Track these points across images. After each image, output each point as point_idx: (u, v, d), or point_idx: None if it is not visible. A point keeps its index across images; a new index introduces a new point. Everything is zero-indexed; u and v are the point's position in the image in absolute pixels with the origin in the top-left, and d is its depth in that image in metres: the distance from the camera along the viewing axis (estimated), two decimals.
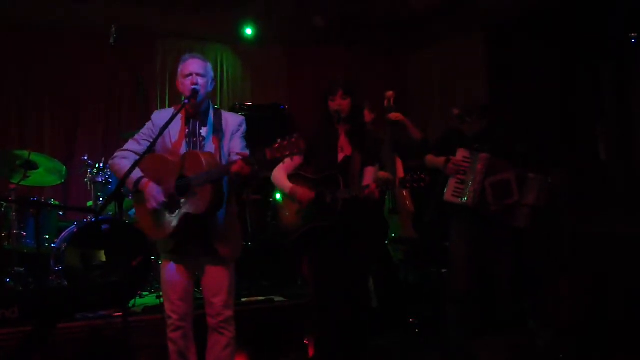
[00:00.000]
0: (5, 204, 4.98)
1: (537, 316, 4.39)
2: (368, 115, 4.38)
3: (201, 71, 3.18)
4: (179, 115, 3.15)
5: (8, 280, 4.69)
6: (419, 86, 7.75)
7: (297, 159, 3.65)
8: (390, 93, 4.12)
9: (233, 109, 6.45)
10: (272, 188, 3.82)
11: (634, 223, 4.60)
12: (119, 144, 3.33)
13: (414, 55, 7.93)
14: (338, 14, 7.15)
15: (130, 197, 4.57)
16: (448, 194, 3.91)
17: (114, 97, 7.07)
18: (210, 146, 3.17)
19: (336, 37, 7.55)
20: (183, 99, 3.14)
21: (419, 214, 4.84)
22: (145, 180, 3.10)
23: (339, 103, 3.57)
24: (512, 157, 3.90)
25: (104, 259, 4.83)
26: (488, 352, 4.01)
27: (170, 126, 3.10)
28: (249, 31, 7.43)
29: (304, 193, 3.52)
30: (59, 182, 5.49)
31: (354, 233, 3.57)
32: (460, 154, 3.90)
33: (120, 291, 4.42)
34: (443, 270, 4.60)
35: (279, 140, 2.81)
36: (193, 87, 3.12)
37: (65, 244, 4.80)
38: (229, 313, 3.20)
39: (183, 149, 3.15)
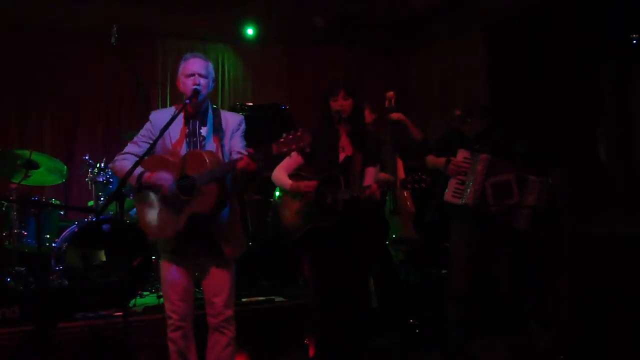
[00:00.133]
0: (6, 204, 4.99)
1: (537, 316, 4.39)
2: (369, 116, 4.38)
3: (203, 71, 3.18)
4: (179, 115, 3.15)
5: (9, 279, 4.69)
6: (419, 86, 7.75)
7: (298, 159, 3.66)
8: (391, 93, 4.11)
9: (234, 109, 6.45)
10: (272, 188, 3.82)
11: (634, 223, 4.59)
12: (119, 144, 3.33)
13: (414, 55, 7.93)
14: (338, 14, 7.16)
15: (132, 197, 4.60)
16: (448, 194, 3.91)
17: (115, 97, 7.08)
18: (211, 145, 3.17)
19: (336, 37, 7.56)
20: (184, 99, 3.14)
21: (419, 214, 4.84)
22: (147, 172, 3.07)
23: (341, 103, 3.57)
24: (512, 158, 3.90)
25: (104, 258, 4.84)
26: (488, 353, 4.02)
27: (170, 126, 3.10)
28: (250, 31, 7.44)
29: (306, 183, 3.52)
30: (60, 182, 5.49)
31: (355, 233, 3.57)
32: (461, 154, 3.90)
33: (121, 291, 4.46)
34: (443, 271, 4.60)
35: (284, 135, 2.83)
36: (195, 87, 3.12)
37: (66, 243, 4.80)
38: (229, 313, 3.20)
39: (183, 149, 3.15)
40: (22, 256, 4.91)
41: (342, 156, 3.63)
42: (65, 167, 5.34)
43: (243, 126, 3.30)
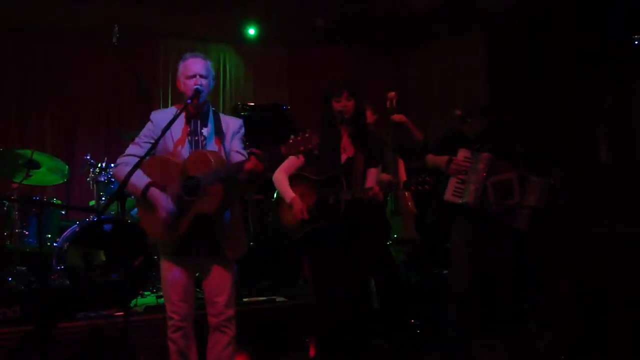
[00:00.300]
0: (7, 203, 4.99)
1: (537, 316, 4.40)
2: (371, 116, 4.39)
3: (203, 72, 3.19)
4: (181, 115, 3.15)
5: (10, 279, 4.70)
6: (419, 86, 7.75)
7: (299, 159, 3.67)
8: (392, 94, 4.11)
9: (235, 109, 6.47)
10: (273, 188, 3.83)
11: (634, 223, 4.60)
12: (120, 144, 3.33)
13: (414, 55, 7.93)
14: (338, 14, 7.17)
15: (133, 197, 4.60)
16: (448, 193, 3.92)
17: (115, 97, 7.07)
18: (212, 146, 3.18)
19: (336, 37, 7.56)
20: (185, 99, 3.15)
21: (421, 215, 4.85)
22: (152, 189, 3.07)
23: (344, 104, 3.57)
24: (512, 157, 3.91)
25: (105, 258, 4.85)
26: (488, 353, 4.02)
27: (171, 126, 3.10)
28: (251, 31, 7.45)
29: (300, 211, 3.54)
30: (61, 182, 5.50)
31: (356, 234, 3.57)
32: (462, 154, 3.91)
33: (122, 291, 4.46)
34: (445, 272, 4.61)
35: (292, 137, 2.84)
36: (196, 87, 3.13)
37: (68, 243, 4.81)
38: (230, 312, 3.20)
39: (185, 149, 3.15)
40: (24, 256, 4.92)
41: (344, 157, 3.63)
42: (67, 166, 5.35)
43: (243, 129, 3.32)
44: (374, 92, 4.46)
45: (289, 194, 3.61)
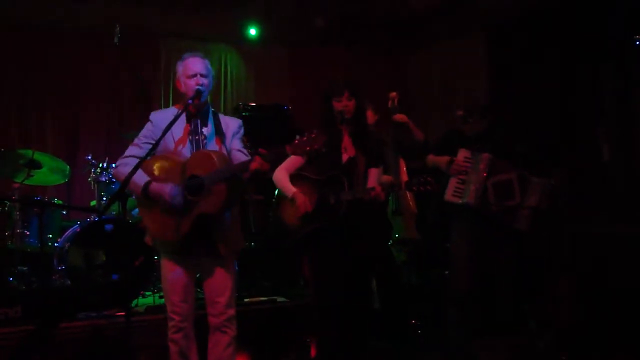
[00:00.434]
0: (8, 203, 5.00)
1: (537, 316, 4.41)
2: (372, 116, 4.39)
3: (204, 71, 3.20)
4: (181, 115, 3.15)
5: (11, 279, 4.72)
6: (419, 86, 7.76)
7: (300, 159, 3.67)
8: (394, 94, 4.11)
9: (236, 110, 6.47)
10: (274, 189, 3.83)
11: (634, 223, 4.61)
12: (121, 144, 3.33)
13: (414, 55, 7.94)
14: (338, 15, 7.17)
15: (134, 197, 4.60)
16: (449, 194, 3.92)
17: (116, 97, 7.06)
18: (213, 145, 3.18)
19: (337, 37, 7.57)
20: (186, 99, 3.15)
21: (422, 215, 4.86)
22: (154, 183, 3.06)
23: (345, 104, 3.57)
24: (513, 158, 3.91)
25: (106, 258, 4.86)
26: (488, 353, 4.02)
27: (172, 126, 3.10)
28: (252, 31, 7.46)
29: (304, 203, 3.52)
30: (62, 182, 5.51)
31: (357, 234, 3.58)
32: (462, 154, 3.91)
33: (123, 291, 4.47)
34: (445, 272, 4.61)
35: (298, 137, 2.85)
36: (198, 87, 3.13)
37: (69, 243, 4.82)
38: (231, 312, 3.20)
39: (186, 148, 3.16)
40: (25, 256, 4.93)
41: (345, 157, 3.63)
42: (68, 166, 5.36)
43: (242, 130, 3.33)
44: (374, 92, 4.46)
45: (290, 189, 3.59)
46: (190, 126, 3.21)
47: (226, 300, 3.18)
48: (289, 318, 4.74)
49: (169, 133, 3.12)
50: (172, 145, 3.17)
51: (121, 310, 4.27)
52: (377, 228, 4.43)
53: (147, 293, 5.08)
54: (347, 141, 3.65)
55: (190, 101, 3.12)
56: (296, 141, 2.86)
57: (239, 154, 3.20)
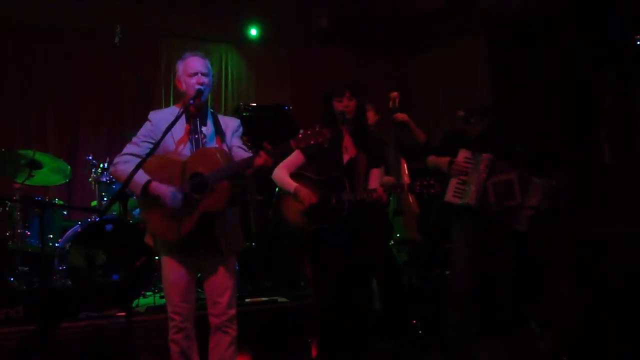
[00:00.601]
0: (9, 204, 4.99)
1: (537, 316, 4.41)
2: (373, 117, 4.40)
3: (205, 70, 3.20)
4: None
5: (12, 279, 4.72)
6: (420, 87, 7.76)
7: (300, 158, 3.67)
8: (395, 94, 4.11)
9: (237, 110, 6.48)
10: (275, 188, 3.83)
11: (634, 223, 4.61)
12: (122, 144, 3.32)
13: (416, 56, 7.94)
14: (339, 15, 7.18)
15: (135, 198, 4.61)
16: (449, 194, 3.93)
17: (116, 97, 7.06)
18: (213, 144, 3.18)
19: (338, 38, 7.58)
20: (188, 98, 3.14)
21: (423, 215, 4.86)
22: (154, 183, 3.05)
23: (346, 104, 3.57)
24: (513, 158, 3.92)
25: (107, 258, 4.86)
26: (488, 353, 4.02)
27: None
28: (253, 32, 7.46)
29: (308, 195, 3.51)
30: (63, 182, 5.51)
31: (358, 234, 3.58)
32: (462, 155, 3.92)
33: (124, 291, 4.48)
34: (446, 272, 4.62)
35: (302, 131, 2.85)
36: (199, 87, 3.13)
37: (69, 243, 4.82)
38: (232, 312, 3.20)
39: (187, 148, 3.15)
40: (26, 256, 4.93)
41: (346, 157, 3.63)
42: (69, 167, 5.36)
43: (241, 129, 3.33)
44: (375, 92, 4.47)
45: (291, 184, 3.58)
46: (190, 126, 3.20)
47: (227, 301, 3.17)
48: (289, 318, 4.75)
49: (168, 133, 3.10)
50: (172, 146, 3.16)
51: (122, 311, 4.27)
52: (378, 229, 4.43)
53: (148, 293, 5.07)
54: (348, 141, 3.66)
55: (191, 101, 3.12)
56: (300, 135, 2.87)
57: (240, 151, 3.21)
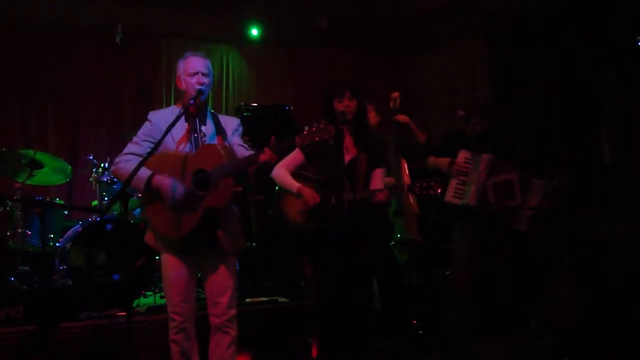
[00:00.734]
0: (10, 203, 4.99)
1: (537, 316, 4.41)
2: (375, 117, 4.39)
3: (205, 70, 3.20)
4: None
5: (12, 279, 4.71)
6: (421, 87, 7.77)
7: (299, 157, 3.67)
8: (396, 94, 4.11)
9: (238, 110, 6.48)
10: (275, 188, 3.83)
11: (634, 223, 4.61)
12: (122, 144, 3.33)
13: (416, 56, 7.95)
14: (340, 15, 7.18)
15: (136, 197, 4.61)
16: (449, 195, 3.93)
17: (117, 97, 7.06)
18: (213, 143, 3.18)
19: (338, 38, 7.58)
20: (188, 98, 3.15)
21: (424, 215, 4.86)
22: (157, 176, 3.04)
23: (347, 104, 3.57)
24: (513, 158, 3.92)
25: (108, 258, 4.86)
26: (489, 353, 4.02)
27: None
28: (254, 32, 7.47)
29: (312, 195, 3.51)
30: (64, 182, 5.51)
31: (359, 234, 3.58)
32: (462, 155, 3.92)
33: (124, 291, 4.48)
34: (447, 273, 4.62)
35: (306, 127, 2.85)
36: (199, 87, 3.14)
37: (70, 243, 4.83)
38: (233, 312, 3.20)
39: (187, 147, 3.16)
40: (26, 256, 4.93)
41: (347, 158, 3.63)
42: (70, 166, 5.36)
43: (241, 128, 3.34)
44: (375, 92, 4.47)
45: (294, 184, 3.59)
46: (190, 125, 3.21)
47: (228, 301, 3.18)
48: (290, 318, 4.74)
49: (168, 134, 3.11)
50: (172, 146, 3.16)
51: (122, 311, 4.27)
52: (378, 229, 4.43)
53: (149, 293, 5.07)
54: (349, 142, 3.66)
55: (192, 101, 3.13)
56: (305, 131, 2.87)
57: (241, 149, 3.21)
